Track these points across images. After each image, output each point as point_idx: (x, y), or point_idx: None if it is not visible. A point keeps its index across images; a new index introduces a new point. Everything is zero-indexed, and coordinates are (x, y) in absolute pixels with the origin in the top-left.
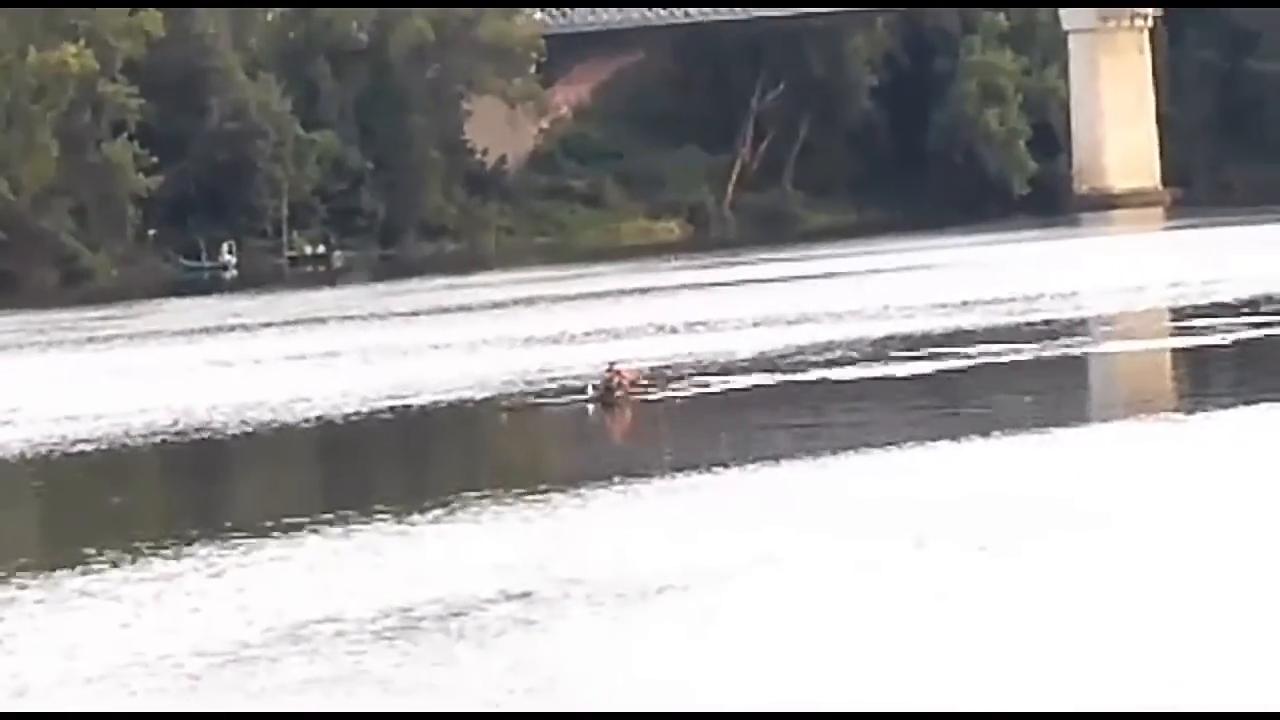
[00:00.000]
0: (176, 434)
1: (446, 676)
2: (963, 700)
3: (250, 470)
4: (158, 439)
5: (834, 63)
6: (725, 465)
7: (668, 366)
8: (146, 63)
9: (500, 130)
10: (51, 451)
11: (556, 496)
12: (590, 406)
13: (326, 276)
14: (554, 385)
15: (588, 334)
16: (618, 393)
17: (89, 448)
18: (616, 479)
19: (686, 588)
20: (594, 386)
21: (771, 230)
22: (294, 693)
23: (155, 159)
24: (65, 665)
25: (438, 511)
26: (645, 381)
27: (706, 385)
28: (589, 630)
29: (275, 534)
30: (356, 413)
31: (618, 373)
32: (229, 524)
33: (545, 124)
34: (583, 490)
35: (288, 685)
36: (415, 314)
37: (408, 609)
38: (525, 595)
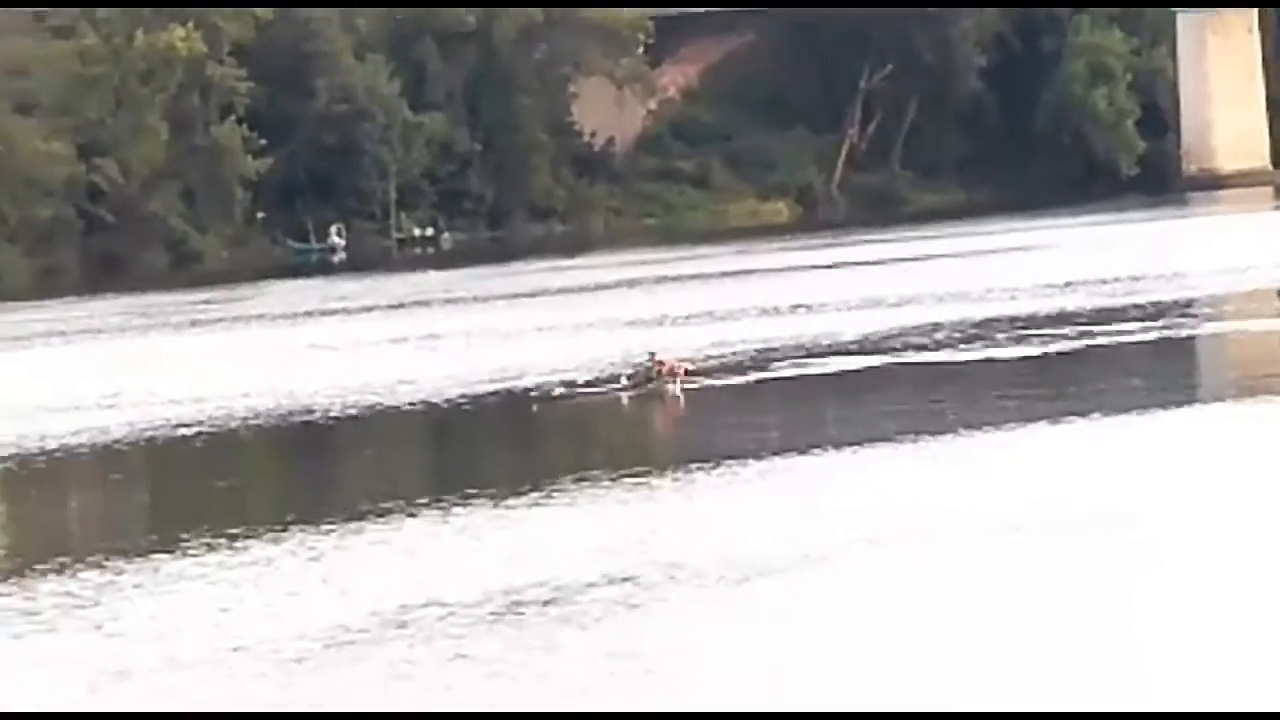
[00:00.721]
0: (280, 417)
1: (548, 660)
2: (1095, 688)
3: (352, 454)
4: (261, 422)
5: (942, 44)
6: (827, 448)
7: (773, 349)
8: (254, 45)
9: (608, 112)
10: (155, 435)
11: (657, 479)
12: (624, 396)
13: (434, 259)
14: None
15: (689, 316)
16: (654, 382)
17: (192, 431)
18: (717, 462)
19: (786, 571)
20: (628, 376)
21: (879, 211)
22: (393, 677)
23: (264, 141)
24: (165, 649)
25: (539, 495)
26: (687, 370)
27: (807, 367)
28: (691, 614)
29: (377, 517)
30: (460, 396)
31: (660, 363)
32: (331, 507)
33: (653, 105)
34: (683, 473)
35: (386, 670)
36: (521, 296)
37: (509, 592)
38: (627, 578)
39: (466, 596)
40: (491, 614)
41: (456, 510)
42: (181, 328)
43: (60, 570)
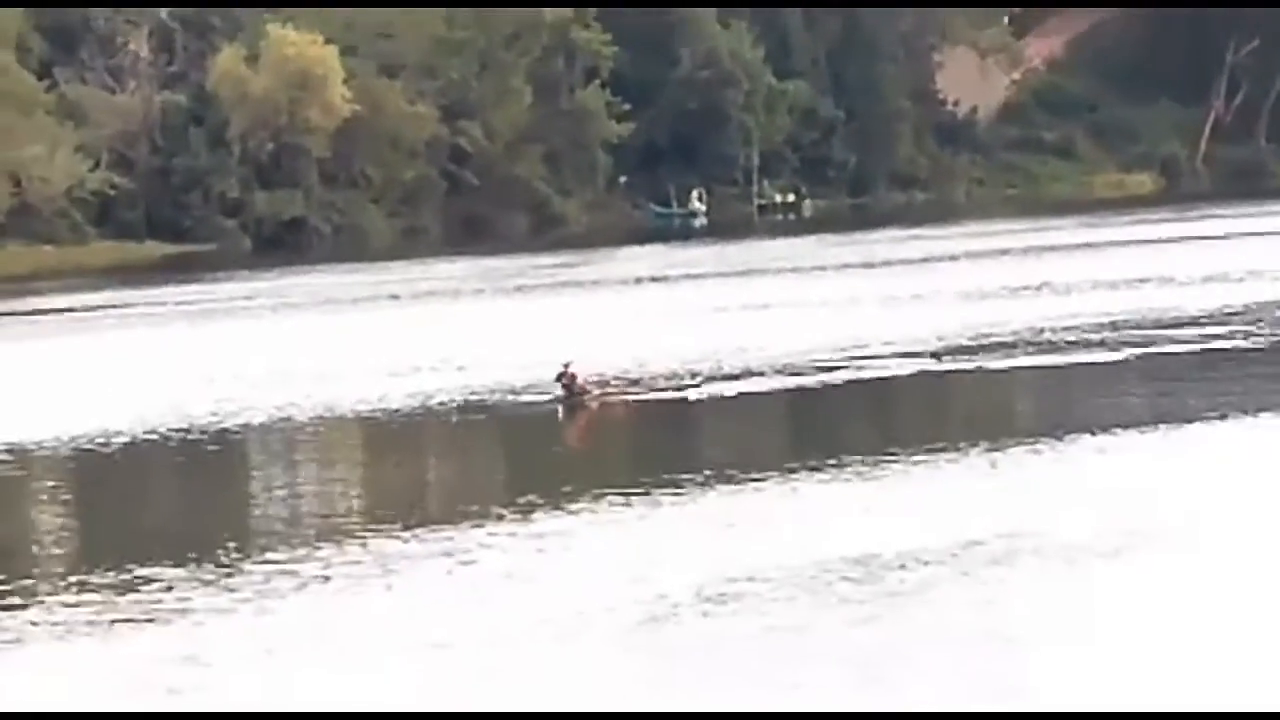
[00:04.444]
0: (617, 379)
1: (865, 635)
2: None
3: (691, 421)
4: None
5: None
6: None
7: (1124, 321)
8: (619, 10)
9: (972, 81)
10: (503, 397)
11: (1018, 450)
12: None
13: (795, 225)
14: (986, 342)
15: (1040, 287)
16: (582, 395)
17: (537, 396)
18: (1093, 433)
19: (1137, 549)
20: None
21: (1244, 184)
22: (705, 652)
23: (627, 106)
24: (484, 619)
25: (891, 466)
26: (599, 386)
27: (1151, 344)
28: (1049, 588)
29: (718, 485)
30: (804, 364)
31: (571, 375)
32: (660, 475)
33: (1017, 75)
34: (1046, 445)
35: (702, 642)
36: (876, 266)
37: (863, 559)
38: (971, 547)
39: (792, 566)
40: (811, 585)
41: (797, 480)
42: (538, 290)
43: (404, 530)
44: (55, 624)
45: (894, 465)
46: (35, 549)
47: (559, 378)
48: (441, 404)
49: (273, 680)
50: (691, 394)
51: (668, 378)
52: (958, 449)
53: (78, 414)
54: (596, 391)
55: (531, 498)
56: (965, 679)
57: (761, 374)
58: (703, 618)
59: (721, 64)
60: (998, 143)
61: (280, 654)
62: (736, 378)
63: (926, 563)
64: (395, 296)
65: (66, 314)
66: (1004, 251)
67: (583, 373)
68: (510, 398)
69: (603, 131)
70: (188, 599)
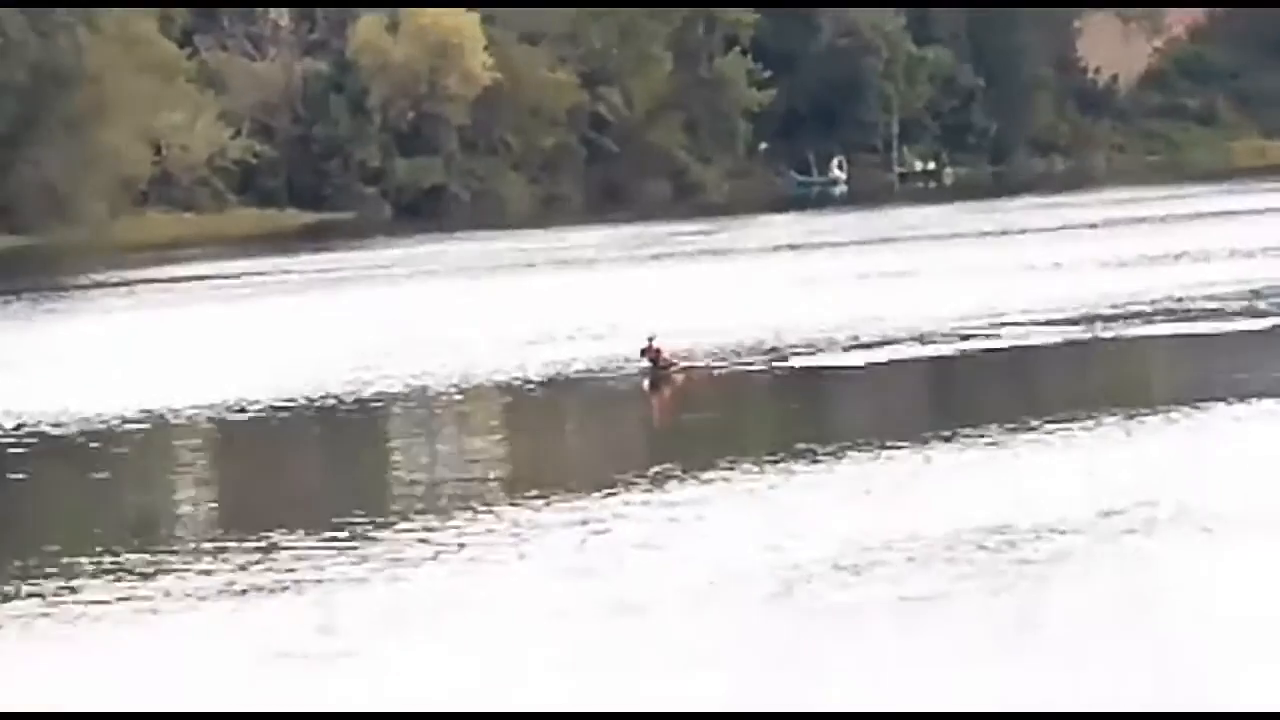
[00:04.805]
0: (750, 350)
1: (1001, 605)
2: None
3: (826, 391)
4: (753, 356)
5: None
6: None
7: (1253, 291)
8: None
9: (1113, 49)
10: (636, 366)
11: (1157, 419)
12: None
13: (935, 193)
14: (1125, 310)
15: (1179, 256)
16: (662, 369)
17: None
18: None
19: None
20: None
21: None
22: (841, 622)
23: (767, 74)
24: (618, 588)
25: (1029, 435)
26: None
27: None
28: (1189, 558)
29: (854, 453)
30: (940, 333)
31: (657, 350)
32: (793, 444)
33: (1159, 43)
34: (1186, 414)
35: (837, 612)
36: (1012, 233)
37: (1000, 529)
38: (1108, 517)
39: (947, 531)
40: (975, 550)
41: (945, 448)
42: (674, 258)
43: (538, 498)
44: (188, 592)
45: (1030, 434)
46: (171, 516)
47: (644, 352)
48: (577, 372)
49: (405, 649)
50: (782, 365)
51: (758, 351)
52: (1095, 417)
53: (217, 382)
54: (683, 364)
55: (663, 467)
56: (1101, 651)
57: (897, 342)
58: (838, 588)
59: (862, 32)
60: (1138, 110)
61: (413, 623)
62: (871, 346)
63: (1064, 532)
64: (531, 264)
65: (207, 281)
66: (1143, 219)
67: (667, 348)
68: (643, 366)
69: (743, 99)
70: (320, 567)
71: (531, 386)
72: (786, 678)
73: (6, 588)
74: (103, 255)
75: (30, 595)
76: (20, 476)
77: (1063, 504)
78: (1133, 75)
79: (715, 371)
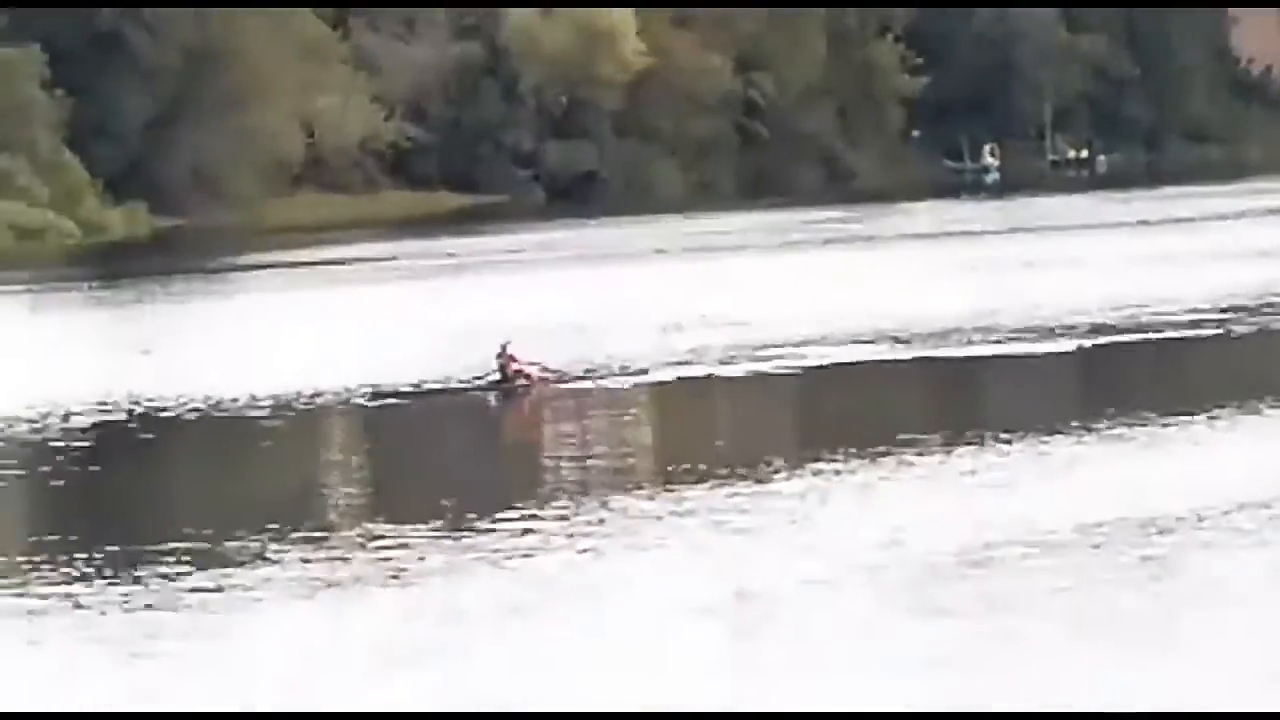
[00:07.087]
0: (874, 339)
1: (1139, 599)
2: None
3: (954, 381)
4: (883, 347)
5: None
6: None
7: None
8: None
9: (1269, 40)
10: (783, 359)
11: None
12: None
13: (1088, 181)
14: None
15: None
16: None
17: (822, 354)
18: None
19: None
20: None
21: None
22: (973, 614)
23: (920, 60)
24: (735, 580)
25: (1152, 427)
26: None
27: None
28: None
29: (997, 444)
30: (1081, 324)
31: (511, 357)
32: (946, 431)
33: None
34: None
35: (968, 604)
36: (1163, 222)
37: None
38: (1247, 510)
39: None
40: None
41: (1089, 437)
42: (821, 245)
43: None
44: (292, 580)
45: (1172, 427)
46: (281, 503)
47: (499, 358)
48: (702, 362)
49: (514, 642)
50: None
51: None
52: (1239, 411)
53: (364, 365)
54: (535, 377)
55: (778, 458)
56: (1240, 648)
57: (1034, 333)
58: (964, 580)
59: (1014, 19)
60: None
61: (523, 614)
62: (1005, 340)
63: (1204, 526)
64: (662, 250)
65: (361, 264)
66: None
67: (522, 359)
68: (768, 351)
69: (895, 85)
70: (424, 558)
71: (657, 374)
72: (929, 671)
73: (119, 571)
74: (255, 237)
75: (177, 575)
76: (163, 455)
77: (1200, 496)
78: None
79: (564, 382)
